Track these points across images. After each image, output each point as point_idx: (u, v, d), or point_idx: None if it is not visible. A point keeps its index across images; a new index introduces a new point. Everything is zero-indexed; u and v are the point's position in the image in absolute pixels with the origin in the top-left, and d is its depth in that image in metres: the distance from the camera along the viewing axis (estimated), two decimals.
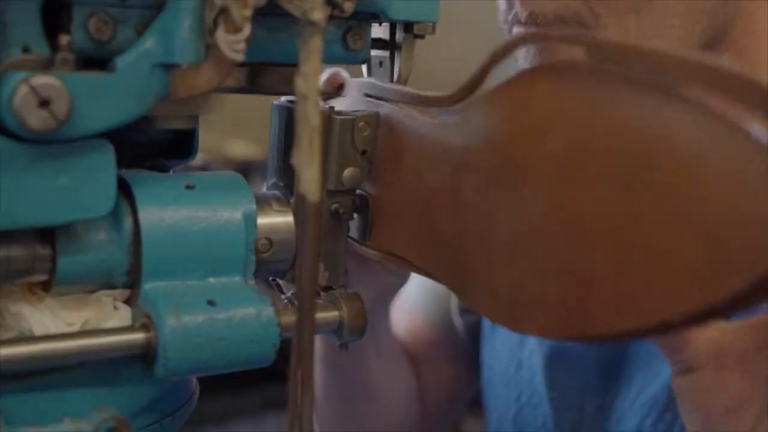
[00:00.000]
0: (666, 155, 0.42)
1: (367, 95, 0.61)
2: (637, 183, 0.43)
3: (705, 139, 0.41)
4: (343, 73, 0.66)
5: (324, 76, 0.67)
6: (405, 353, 1.05)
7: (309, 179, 0.43)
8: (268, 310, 0.52)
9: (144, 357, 0.50)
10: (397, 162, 0.58)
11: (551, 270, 0.48)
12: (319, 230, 0.44)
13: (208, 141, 0.63)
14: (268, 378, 2.08)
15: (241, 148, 2.43)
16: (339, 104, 0.63)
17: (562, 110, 0.47)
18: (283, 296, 0.59)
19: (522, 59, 0.80)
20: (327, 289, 0.59)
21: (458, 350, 1.08)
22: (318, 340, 0.81)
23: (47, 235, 0.49)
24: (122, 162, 0.50)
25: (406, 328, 1.08)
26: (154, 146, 0.60)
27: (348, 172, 0.58)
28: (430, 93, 0.56)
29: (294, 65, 0.54)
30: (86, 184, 0.48)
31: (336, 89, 0.66)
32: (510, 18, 0.84)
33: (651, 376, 0.87)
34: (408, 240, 0.59)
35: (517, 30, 0.85)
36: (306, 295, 0.44)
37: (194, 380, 0.59)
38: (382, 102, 0.59)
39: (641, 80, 0.43)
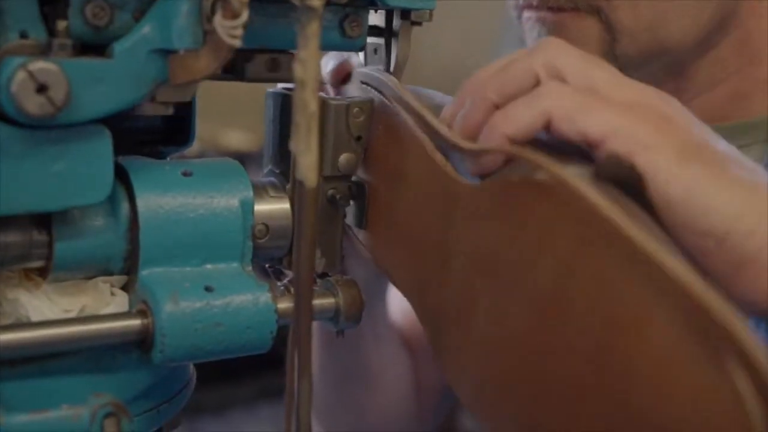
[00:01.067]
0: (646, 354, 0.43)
1: (363, 83, 0.61)
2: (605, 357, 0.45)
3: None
4: (354, 59, 0.66)
5: (332, 64, 0.67)
6: (402, 338, 1.05)
7: (306, 165, 0.43)
8: (266, 297, 0.52)
9: (141, 343, 0.50)
10: (398, 176, 0.58)
11: (514, 387, 0.50)
12: (316, 216, 0.44)
13: (203, 131, 0.63)
14: (264, 367, 2.08)
15: (237, 138, 2.43)
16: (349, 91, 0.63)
17: (553, 244, 0.47)
18: (279, 283, 0.59)
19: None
20: (323, 275, 0.59)
21: None
22: (314, 323, 0.81)
23: (44, 221, 0.49)
24: (119, 149, 0.50)
25: (403, 312, 1.08)
26: (151, 133, 0.60)
27: (344, 158, 0.58)
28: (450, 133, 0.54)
29: (289, 51, 0.55)
30: (83, 170, 0.48)
31: (344, 78, 0.66)
32: (521, 2, 0.84)
33: None
34: (398, 268, 0.60)
35: (527, 14, 0.85)
36: (303, 280, 0.44)
37: (191, 367, 0.60)
38: (398, 112, 0.58)
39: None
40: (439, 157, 0.55)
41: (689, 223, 0.51)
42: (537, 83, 0.54)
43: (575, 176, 0.47)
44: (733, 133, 0.88)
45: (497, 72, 0.55)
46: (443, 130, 0.54)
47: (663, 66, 0.87)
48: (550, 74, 0.54)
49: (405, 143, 0.57)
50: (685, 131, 0.54)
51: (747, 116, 0.89)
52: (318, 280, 0.58)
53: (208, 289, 0.51)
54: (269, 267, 0.61)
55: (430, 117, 0.55)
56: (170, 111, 0.54)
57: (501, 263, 0.51)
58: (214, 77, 0.56)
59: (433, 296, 0.56)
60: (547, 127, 0.52)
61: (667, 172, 0.51)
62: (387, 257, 0.61)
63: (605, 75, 0.55)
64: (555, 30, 0.83)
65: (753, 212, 0.52)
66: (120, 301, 0.52)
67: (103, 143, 0.48)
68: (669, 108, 0.55)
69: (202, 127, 0.61)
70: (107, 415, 0.46)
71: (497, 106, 0.54)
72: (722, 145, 0.56)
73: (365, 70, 0.63)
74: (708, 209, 0.51)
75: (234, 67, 0.55)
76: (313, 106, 0.43)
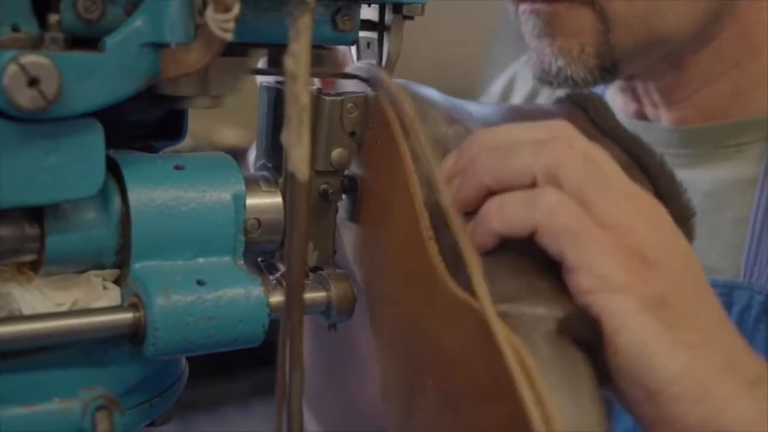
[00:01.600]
0: None
1: (356, 77, 0.61)
2: None
3: None
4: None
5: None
6: None
7: (298, 158, 0.43)
8: (258, 290, 0.52)
9: (133, 336, 0.50)
10: (385, 204, 0.59)
11: None
12: (307, 209, 0.44)
13: (196, 127, 0.63)
14: (258, 363, 2.08)
15: (230, 135, 2.42)
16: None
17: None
18: (271, 277, 0.60)
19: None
20: (316, 269, 0.59)
21: None
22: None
23: (36, 215, 0.49)
24: (111, 143, 0.50)
25: None
26: (144, 127, 0.60)
27: (336, 153, 0.58)
28: None
29: (282, 45, 0.54)
30: (75, 164, 0.48)
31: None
32: None
33: None
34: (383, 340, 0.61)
35: (523, 8, 0.85)
36: (294, 273, 0.44)
37: (183, 361, 0.60)
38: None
39: None
40: (428, 235, 0.56)
41: (628, 371, 0.53)
42: (534, 183, 0.55)
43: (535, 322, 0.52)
44: (732, 131, 0.89)
45: (499, 155, 0.56)
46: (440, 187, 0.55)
47: (661, 57, 0.87)
48: (549, 180, 0.54)
49: (394, 170, 0.57)
50: (657, 279, 0.55)
51: (746, 113, 0.89)
52: (310, 274, 0.59)
53: (200, 282, 0.51)
54: (261, 261, 0.62)
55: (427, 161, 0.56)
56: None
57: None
58: (258, 72, 0.57)
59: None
60: (534, 233, 0.54)
61: (621, 321, 0.53)
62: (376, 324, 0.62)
63: (602, 194, 0.55)
64: (550, 21, 0.83)
65: (687, 379, 0.54)
66: (112, 295, 0.52)
67: (95, 137, 0.48)
68: (654, 248, 0.55)
69: (195, 123, 0.61)
70: (98, 408, 0.46)
71: (491, 191, 0.56)
72: (698, 298, 0.57)
73: (359, 64, 0.63)
74: (648, 366, 0.53)
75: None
76: (305, 99, 0.43)
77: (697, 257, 0.79)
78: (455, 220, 0.53)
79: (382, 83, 0.58)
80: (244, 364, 2.29)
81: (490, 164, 0.56)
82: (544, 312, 0.53)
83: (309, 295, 0.56)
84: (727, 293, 0.83)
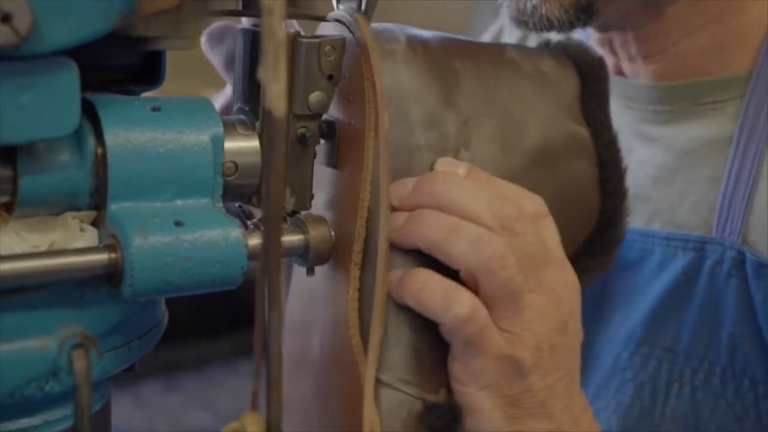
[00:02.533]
0: None
1: (337, 20, 0.61)
2: None
3: None
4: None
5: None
6: None
7: (275, 94, 0.43)
8: (236, 232, 0.52)
9: (110, 278, 0.50)
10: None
11: None
12: (285, 146, 0.44)
13: (180, 89, 0.62)
14: (242, 324, 2.08)
15: (212, 96, 2.41)
16: None
17: None
18: (249, 222, 0.59)
19: None
20: (293, 214, 0.59)
21: None
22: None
23: (8, 155, 0.49)
24: (88, 87, 0.50)
25: None
26: (120, 72, 0.59)
27: (314, 97, 0.57)
28: None
29: None
30: (49, 102, 0.47)
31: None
32: None
33: (626, 311, 0.89)
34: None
35: None
36: (272, 209, 0.43)
37: (162, 306, 0.60)
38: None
39: None
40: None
41: None
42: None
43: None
44: (710, 88, 0.88)
45: (442, 229, 0.59)
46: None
47: (639, 5, 0.86)
48: (470, 280, 0.60)
49: (358, 155, 0.61)
50: (521, 385, 0.61)
51: (726, 70, 0.88)
52: (288, 219, 0.58)
53: (177, 223, 0.51)
54: (239, 207, 0.61)
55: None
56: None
57: None
58: (232, 13, 0.56)
59: None
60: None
61: (478, 416, 0.61)
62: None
63: (511, 307, 0.60)
64: None
65: None
66: (89, 237, 0.52)
67: (70, 75, 0.48)
68: (535, 358, 0.61)
69: (178, 85, 0.61)
70: (75, 346, 0.46)
71: None
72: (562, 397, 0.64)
73: (339, 11, 0.62)
74: None
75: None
76: (282, 34, 0.43)
77: (669, 214, 0.80)
78: (381, 262, 0.58)
79: (358, 29, 0.58)
80: (229, 325, 2.30)
81: (430, 233, 0.59)
82: (414, 393, 0.61)
83: (287, 238, 0.56)
84: (699, 248, 0.84)
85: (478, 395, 0.60)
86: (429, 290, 0.59)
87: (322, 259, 0.57)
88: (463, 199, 0.59)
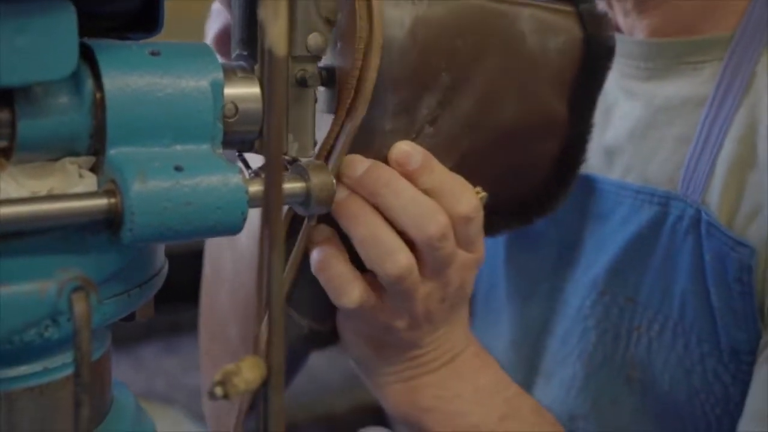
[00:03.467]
0: None
1: None
2: None
3: None
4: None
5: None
6: None
7: (275, 33, 0.42)
8: (237, 178, 0.51)
9: (109, 223, 0.49)
10: None
11: None
12: (286, 87, 0.43)
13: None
14: None
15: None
16: None
17: None
18: (250, 170, 0.59)
19: None
20: (295, 161, 0.58)
21: None
22: None
23: (6, 99, 0.48)
24: (85, 33, 0.49)
25: None
26: (118, 19, 0.58)
27: (312, 38, 0.57)
28: None
29: None
30: (47, 45, 0.46)
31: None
32: None
33: (593, 260, 0.90)
34: None
35: None
36: (273, 147, 0.43)
37: (162, 255, 0.59)
38: None
39: None
40: None
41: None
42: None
43: None
44: (694, 47, 0.88)
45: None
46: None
47: None
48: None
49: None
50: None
51: (713, 31, 0.88)
52: (289, 167, 0.58)
53: (177, 168, 0.50)
54: (239, 155, 0.61)
55: None
56: None
57: None
58: None
59: None
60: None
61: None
62: None
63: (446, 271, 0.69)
64: None
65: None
66: (88, 183, 0.51)
67: (68, 17, 0.47)
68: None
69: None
70: (75, 290, 0.45)
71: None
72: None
73: None
74: None
75: None
76: None
77: (642, 169, 0.84)
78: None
79: None
80: None
81: (356, 229, 0.64)
82: (306, 323, 0.73)
83: (288, 185, 0.55)
84: (663, 203, 0.85)
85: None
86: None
87: (323, 207, 0.56)
88: (397, 209, 0.64)
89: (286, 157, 0.58)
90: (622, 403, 0.87)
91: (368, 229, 0.64)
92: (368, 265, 0.65)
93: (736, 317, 0.79)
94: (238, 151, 0.61)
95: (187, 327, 2.45)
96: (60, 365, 0.52)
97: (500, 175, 0.71)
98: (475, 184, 0.67)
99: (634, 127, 0.90)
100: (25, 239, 0.48)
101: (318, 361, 2.28)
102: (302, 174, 0.56)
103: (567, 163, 0.74)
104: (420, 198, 0.64)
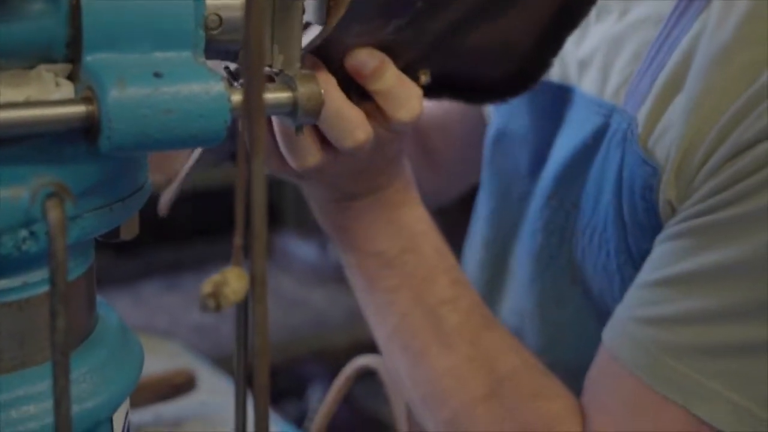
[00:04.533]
0: None
1: None
2: None
3: None
4: None
5: None
6: None
7: None
8: (219, 86, 0.50)
9: (87, 132, 0.48)
10: None
11: None
12: None
13: None
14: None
15: None
16: None
17: None
18: (236, 83, 0.57)
19: None
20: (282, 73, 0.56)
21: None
22: None
23: None
24: None
25: None
26: None
27: None
28: None
29: None
30: None
31: None
32: None
33: (548, 166, 0.93)
34: None
35: None
36: (254, 50, 0.41)
37: (146, 171, 0.57)
38: None
39: None
40: None
41: None
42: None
43: None
44: None
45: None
46: None
47: None
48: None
49: None
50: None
51: None
52: (275, 78, 0.56)
53: (157, 75, 0.48)
54: (226, 68, 0.59)
55: None
56: None
57: None
58: None
59: None
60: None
61: None
62: None
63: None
64: None
65: None
66: (65, 91, 0.49)
67: None
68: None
69: None
70: (49, 196, 0.44)
71: None
72: None
73: None
74: None
75: None
76: None
77: (602, 81, 0.90)
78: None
79: None
80: (228, 225, 2.29)
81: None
82: None
83: (274, 95, 0.54)
84: (608, 115, 0.86)
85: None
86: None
87: (311, 117, 0.54)
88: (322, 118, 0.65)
89: (273, 70, 0.57)
90: (566, 302, 0.90)
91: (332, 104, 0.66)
92: (328, 137, 0.69)
93: (644, 232, 0.81)
94: (226, 67, 0.59)
95: (188, 265, 2.46)
96: (40, 280, 0.51)
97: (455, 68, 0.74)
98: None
99: (602, 41, 0.91)
100: (1, 148, 0.47)
101: (318, 298, 2.29)
102: (289, 84, 0.54)
103: (515, 84, 0.78)
104: (345, 111, 0.68)
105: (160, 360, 1.23)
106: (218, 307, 0.42)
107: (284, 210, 2.64)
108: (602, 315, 0.85)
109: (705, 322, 0.74)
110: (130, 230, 0.58)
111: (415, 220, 0.82)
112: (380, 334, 0.85)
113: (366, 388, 2.24)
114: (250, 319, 0.45)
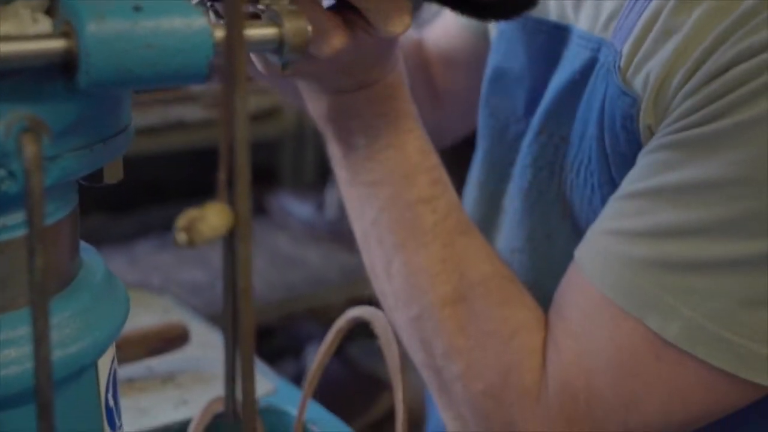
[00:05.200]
0: None
1: None
2: None
3: None
4: None
5: None
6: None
7: None
8: (201, 20, 0.48)
9: (65, 67, 0.46)
10: None
11: None
12: None
13: None
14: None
15: None
16: None
17: None
18: (221, 21, 0.56)
19: None
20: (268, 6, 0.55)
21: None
22: None
23: None
24: None
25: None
26: None
27: None
28: None
29: None
30: None
31: None
32: None
33: (540, 102, 0.93)
34: None
35: None
36: None
37: (129, 112, 0.56)
38: None
39: None
40: None
41: None
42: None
43: None
44: None
45: None
46: None
47: None
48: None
49: None
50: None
51: None
52: (262, 15, 0.54)
53: (137, 8, 0.47)
54: (210, 6, 0.57)
55: None
56: None
57: None
58: None
59: None
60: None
61: None
62: None
63: None
64: None
65: None
66: (43, 27, 0.48)
67: None
68: None
69: None
70: (24, 130, 0.42)
71: None
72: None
73: None
74: None
75: None
76: None
77: (594, 18, 0.88)
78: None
79: None
80: (215, 187, 2.28)
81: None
82: None
83: (259, 31, 0.52)
84: (596, 49, 0.86)
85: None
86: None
87: (297, 53, 0.53)
88: None
89: (260, 6, 0.55)
90: (556, 237, 0.90)
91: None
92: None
93: (627, 163, 0.80)
94: (212, 5, 0.58)
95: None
96: (20, 222, 0.49)
97: None
98: None
99: None
100: None
101: (314, 256, 2.28)
102: (275, 19, 0.53)
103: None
104: (319, 18, 0.67)
105: (153, 314, 1.22)
106: (191, 242, 0.41)
107: (280, 169, 2.62)
108: None
109: (668, 237, 0.74)
110: (113, 174, 0.57)
111: (402, 116, 0.82)
112: (359, 226, 0.86)
113: (362, 347, 2.24)
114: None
